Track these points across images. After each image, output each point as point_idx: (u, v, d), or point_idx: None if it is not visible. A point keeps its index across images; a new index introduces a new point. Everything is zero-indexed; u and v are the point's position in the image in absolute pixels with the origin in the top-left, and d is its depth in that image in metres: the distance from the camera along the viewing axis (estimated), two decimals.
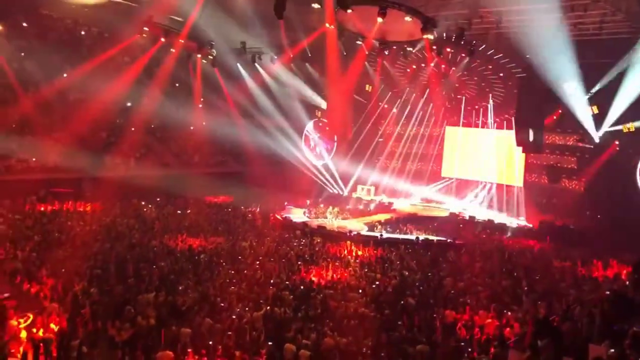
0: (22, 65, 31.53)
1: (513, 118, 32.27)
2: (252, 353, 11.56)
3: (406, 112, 38.54)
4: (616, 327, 8.07)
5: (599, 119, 28.21)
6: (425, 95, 36.65)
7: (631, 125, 26.63)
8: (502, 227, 30.09)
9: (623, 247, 21.41)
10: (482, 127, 36.46)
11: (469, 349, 12.34)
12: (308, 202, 34.33)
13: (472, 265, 20.33)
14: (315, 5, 23.77)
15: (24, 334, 12.11)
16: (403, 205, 35.64)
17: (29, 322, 12.68)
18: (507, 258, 21.98)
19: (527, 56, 26.20)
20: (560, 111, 30.38)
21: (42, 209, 26.20)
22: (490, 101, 35.16)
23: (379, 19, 22.89)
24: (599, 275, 19.31)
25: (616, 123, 27.38)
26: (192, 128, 38.33)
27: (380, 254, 21.91)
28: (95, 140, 30.01)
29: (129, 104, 34.38)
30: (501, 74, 31.68)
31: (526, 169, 34.38)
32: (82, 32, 32.79)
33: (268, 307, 14.08)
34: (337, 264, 19.90)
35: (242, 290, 15.70)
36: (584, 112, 28.23)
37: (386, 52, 29.71)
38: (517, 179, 34.45)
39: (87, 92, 32.27)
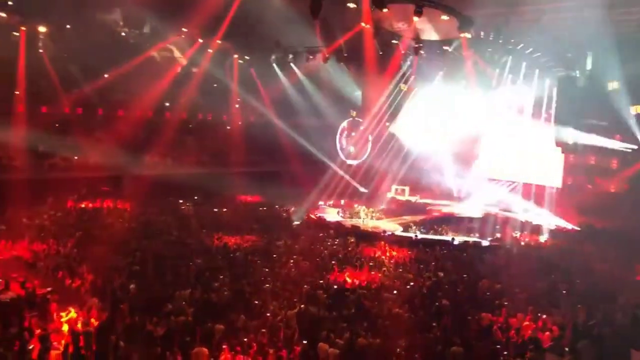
0: (65, 66, 32.45)
1: (552, 117, 31.59)
2: (286, 351, 11.62)
3: (441, 111, 38.07)
4: None
5: None
6: (461, 94, 36.17)
7: None
8: (540, 229, 29.47)
9: None
10: (519, 126, 35.76)
11: (505, 352, 12.14)
12: (342, 201, 34.31)
13: (508, 267, 20.00)
14: (351, 5, 23.74)
15: (65, 327, 12.49)
16: (438, 206, 35.25)
17: (70, 315, 13.06)
18: (544, 260, 21.56)
19: (568, 54, 25.61)
20: (600, 110, 29.58)
21: (84, 206, 26.91)
22: (528, 99, 34.46)
23: (415, 18, 22.71)
24: None
25: None
26: (228, 128, 38.77)
27: (415, 254, 21.75)
28: (134, 139, 30.62)
29: (167, 104, 35.00)
30: (540, 72, 31.04)
31: (565, 169, 33.55)
32: (123, 34, 33.50)
33: (302, 306, 14.14)
34: (371, 264, 19.86)
35: (276, 289, 15.80)
36: (626, 112, 27.42)
37: (422, 52, 29.46)
38: (555, 179, 33.69)
39: (127, 92, 33.06)
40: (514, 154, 36.07)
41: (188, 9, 28.39)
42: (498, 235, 27.68)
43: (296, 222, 27.81)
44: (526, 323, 13.45)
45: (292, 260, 19.27)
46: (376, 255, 21.44)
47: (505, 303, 15.13)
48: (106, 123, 32.46)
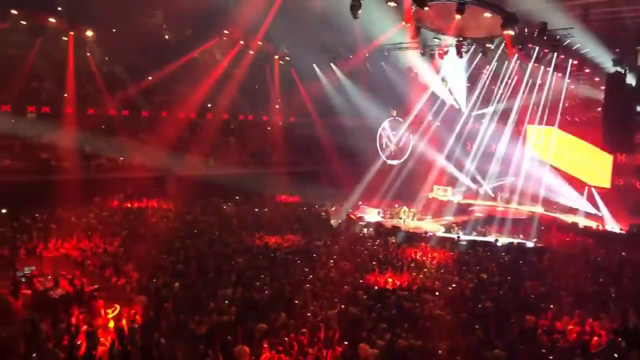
0: (110, 69, 33.36)
1: (601, 116, 30.64)
2: (327, 351, 11.62)
3: (485, 110, 37.48)
4: None
5: None
6: (506, 93, 35.51)
7: None
8: (587, 230, 28.62)
9: None
10: (566, 125, 34.87)
11: (551, 357, 11.83)
12: (382, 202, 34.12)
13: (554, 269, 19.50)
14: (392, 4, 23.56)
15: (111, 324, 12.81)
16: (481, 207, 34.71)
17: (116, 312, 13.39)
18: (592, 262, 20.93)
19: (617, 50, 24.78)
20: None
21: (129, 205, 27.57)
22: (576, 98, 33.55)
23: (457, 16, 22.35)
24: None
25: None
26: (269, 128, 39.09)
27: (457, 256, 21.44)
28: (177, 140, 31.20)
29: (209, 105, 35.57)
30: (587, 70, 30.12)
31: (614, 169, 32.54)
32: (166, 37, 34.20)
33: (342, 306, 14.12)
34: (412, 265, 19.68)
35: (317, 288, 15.82)
36: None
37: (464, 49, 29.04)
38: (604, 180, 32.69)
39: (171, 94, 33.73)
40: (559, 154, 35.22)
41: (229, 11, 28.78)
42: (543, 236, 26.99)
43: (336, 222, 27.80)
44: (571, 327, 13.08)
45: (332, 261, 19.26)
46: (417, 257, 21.23)
47: (551, 306, 14.76)
48: (150, 124, 33.22)
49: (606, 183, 32.48)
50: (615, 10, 22.61)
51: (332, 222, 27.87)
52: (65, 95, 30.32)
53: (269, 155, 37.89)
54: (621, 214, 30.13)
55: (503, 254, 22.30)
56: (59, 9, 28.57)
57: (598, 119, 31.70)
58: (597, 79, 30.47)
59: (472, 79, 35.50)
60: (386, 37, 29.83)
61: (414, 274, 18.39)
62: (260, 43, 32.24)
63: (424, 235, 25.38)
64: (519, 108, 35.15)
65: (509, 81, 33.52)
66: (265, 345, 11.46)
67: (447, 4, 22.56)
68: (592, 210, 31.90)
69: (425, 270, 18.99)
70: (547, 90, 33.91)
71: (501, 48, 28.89)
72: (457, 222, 29.50)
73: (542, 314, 14.17)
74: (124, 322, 12.68)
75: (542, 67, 30.72)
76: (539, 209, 33.16)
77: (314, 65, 35.95)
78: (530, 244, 24.76)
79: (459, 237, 25.55)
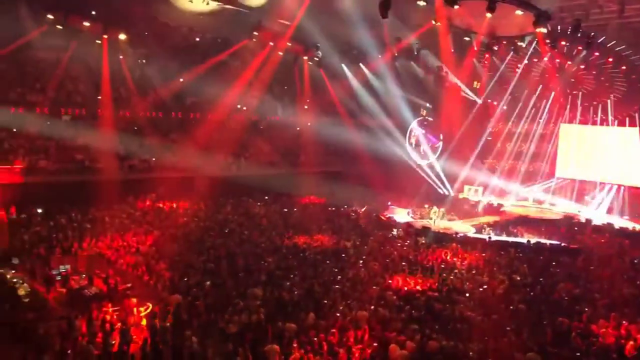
0: (142, 71, 33.88)
1: (637, 114, 29.91)
2: (356, 351, 11.60)
3: (517, 109, 36.95)
4: None
5: None
6: (537, 91, 34.93)
7: None
8: (624, 232, 27.92)
9: None
10: (602, 124, 34.12)
11: None
12: (412, 202, 33.86)
13: (588, 271, 19.11)
14: (421, 3, 23.40)
15: (144, 322, 13.02)
16: (513, 207, 34.17)
17: (148, 310, 13.60)
18: (629, 264, 20.43)
19: None
20: None
21: (161, 205, 27.96)
22: (611, 96, 32.78)
23: (488, 14, 22.06)
24: None
25: None
26: (298, 128, 39.18)
27: (488, 256, 21.16)
28: (208, 141, 31.48)
29: (239, 106, 35.83)
30: (623, 67, 29.39)
31: None
32: (197, 39, 34.57)
33: (372, 307, 14.08)
34: (442, 266, 19.51)
35: (346, 289, 15.81)
36: None
37: (495, 47, 28.67)
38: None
39: (202, 95, 34.09)
40: (595, 154, 34.46)
41: (259, 13, 28.97)
42: (577, 237, 26.45)
43: (365, 223, 27.70)
44: (603, 330, 12.79)
45: (361, 261, 19.22)
46: (447, 258, 21.03)
47: (586, 309, 14.45)
48: (181, 125, 33.64)
49: None
50: None
51: (361, 222, 27.77)
52: (99, 97, 30.91)
53: (298, 155, 37.96)
54: None
55: (535, 255, 21.94)
56: (93, 13, 29.13)
57: (633, 117, 31.03)
58: (634, 76, 29.72)
59: (503, 78, 34.95)
60: (416, 36, 29.66)
61: (444, 275, 18.22)
62: (290, 44, 32.31)
63: (454, 235, 25.10)
64: (552, 106, 34.60)
65: (541, 79, 32.94)
66: (294, 345, 11.50)
67: (478, 2, 22.29)
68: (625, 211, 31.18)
69: (455, 271, 18.80)
70: (579, 89, 33.34)
71: (533, 46, 28.43)
72: (488, 222, 29.07)
73: (576, 317, 13.90)
74: (156, 320, 12.88)
75: (576, 65, 30.14)
76: (572, 210, 32.50)
77: (343, 65, 35.90)
78: (563, 245, 24.25)
79: (490, 237, 25.20)
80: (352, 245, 21.94)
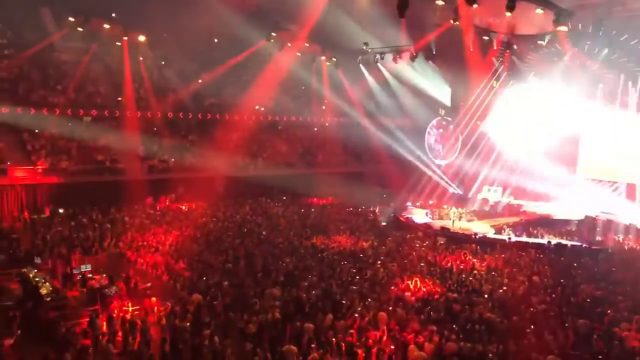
0: (162, 73, 34.20)
1: None
2: (374, 352, 11.56)
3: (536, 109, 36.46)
4: None
5: None
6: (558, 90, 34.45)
7: None
8: None
9: None
10: (625, 123, 33.52)
11: None
12: (431, 202, 33.67)
13: (611, 272, 18.80)
14: (439, 2, 23.27)
15: (163, 321, 13.12)
16: (533, 207, 33.72)
17: (167, 310, 13.71)
18: None
19: None
20: None
21: (180, 205, 28.19)
22: (635, 96, 32.20)
23: (507, 13, 21.81)
24: None
25: None
26: (315, 129, 39.22)
27: (508, 257, 20.94)
28: (226, 141, 31.66)
29: (257, 107, 35.98)
30: None
31: None
32: (215, 40, 34.78)
33: (390, 308, 14.03)
34: (461, 267, 19.36)
35: (364, 289, 15.77)
36: None
37: (515, 47, 28.38)
38: None
39: (220, 97, 34.31)
40: (617, 153, 33.86)
41: (277, 14, 29.05)
42: (599, 238, 26.04)
43: (383, 223, 27.62)
44: (626, 333, 12.56)
45: (379, 262, 19.16)
46: (466, 258, 20.85)
47: (608, 311, 14.22)
48: (200, 126, 33.89)
49: None
50: None
51: (379, 223, 27.69)
52: (120, 98, 31.27)
53: (316, 155, 38.01)
54: None
55: (556, 256, 21.67)
56: (113, 15, 29.48)
57: None
58: None
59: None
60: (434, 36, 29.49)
61: (463, 276, 18.08)
62: (307, 44, 32.39)
63: (473, 236, 24.89)
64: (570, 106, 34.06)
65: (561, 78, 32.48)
66: (312, 345, 11.51)
67: (497, 1, 22.06)
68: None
69: (474, 272, 18.64)
70: (601, 88, 32.77)
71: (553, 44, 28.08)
72: (508, 223, 28.75)
73: (598, 319, 13.69)
74: (176, 320, 12.97)
75: (598, 64, 29.66)
76: (594, 211, 31.98)
77: (361, 65, 35.85)
78: (584, 246, 23.90)
79: (510, 238, 24.94)
80: (370, 246, 21.88)
